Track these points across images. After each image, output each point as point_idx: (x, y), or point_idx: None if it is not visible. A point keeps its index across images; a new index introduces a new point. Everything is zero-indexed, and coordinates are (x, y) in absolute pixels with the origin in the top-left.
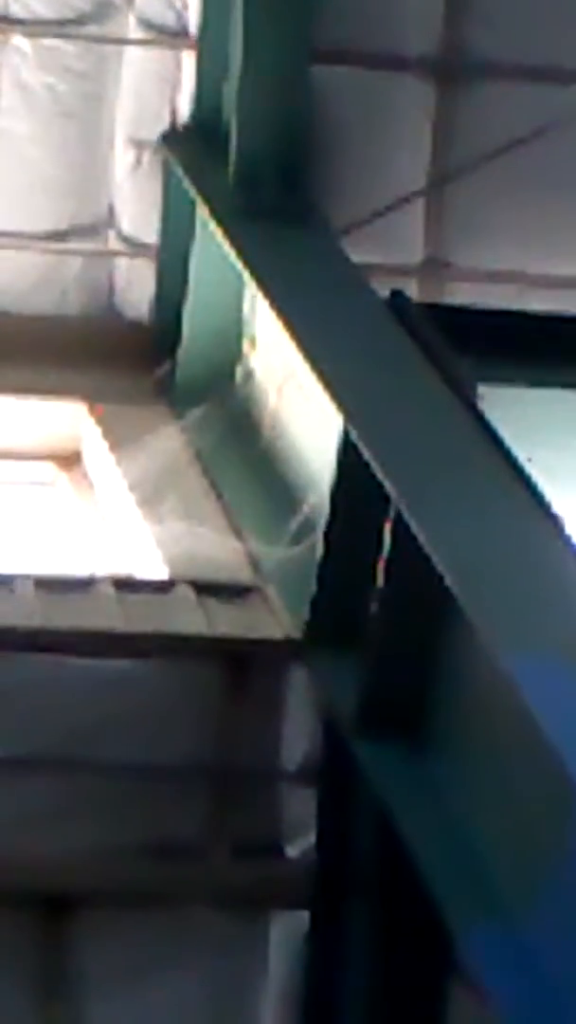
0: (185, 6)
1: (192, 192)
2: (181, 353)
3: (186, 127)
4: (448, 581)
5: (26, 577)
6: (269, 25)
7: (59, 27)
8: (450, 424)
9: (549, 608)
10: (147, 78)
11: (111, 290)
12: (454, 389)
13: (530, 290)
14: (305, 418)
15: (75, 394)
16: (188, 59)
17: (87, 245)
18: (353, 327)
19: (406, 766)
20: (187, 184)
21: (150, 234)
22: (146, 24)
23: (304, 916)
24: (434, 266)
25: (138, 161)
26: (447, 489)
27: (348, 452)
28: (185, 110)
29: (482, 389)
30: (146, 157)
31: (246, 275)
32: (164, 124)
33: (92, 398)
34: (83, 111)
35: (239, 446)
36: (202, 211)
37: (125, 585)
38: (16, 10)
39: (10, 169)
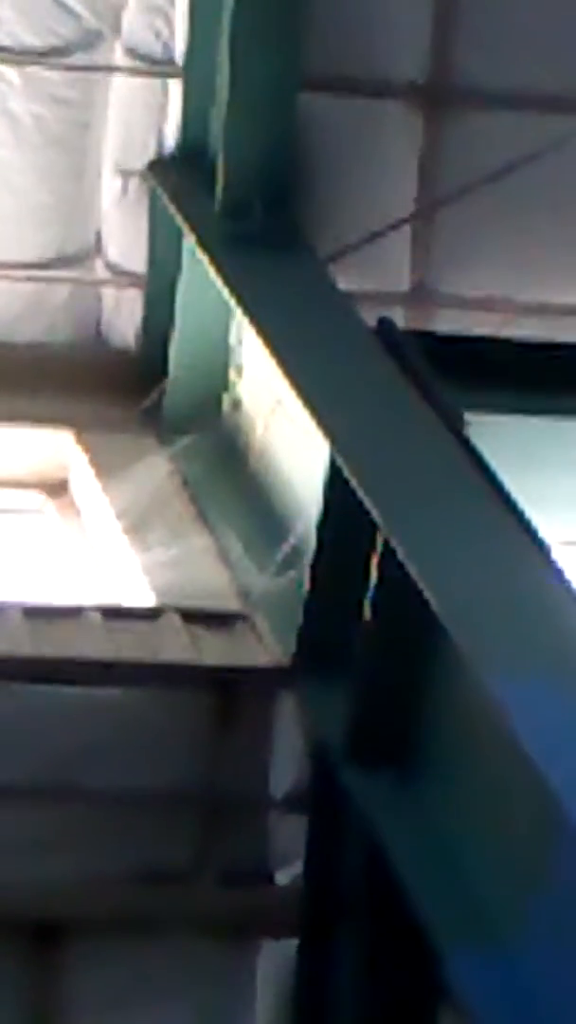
0: (172, 34)
1: (179, 220)
2: (168, 382)
3: (173, 155)
4: (436, 608)
5: (14, 605)
6: (256, 53)
7: (46, 56)
8: (437, 452)
9: (537, 635)
10: (134, 107)
11: (98, 319)
12: (441, 417)
13: (518, 318)
14: (292, 446)
15: (62, 422)
16: (175, 87)
17: (74, 274)
18: (340, 355)
19: (394, 793)
20: (174, 212)
21: (137, 262)
22: (133, 53)
23: (292, 944)
24: (421, 293)
25: (125, 190)
26: (434, 517)
27: (335, 480)
28: (172, 138)
29: (469, 417)
30: (133, 186)
31: (233, 303)
32: (151, 153)
33: (80, 427)
34: (70, 140)
35: (226, 474)
36: (189, 239)
37: (113, 613)
38: (2, 38)
39: None
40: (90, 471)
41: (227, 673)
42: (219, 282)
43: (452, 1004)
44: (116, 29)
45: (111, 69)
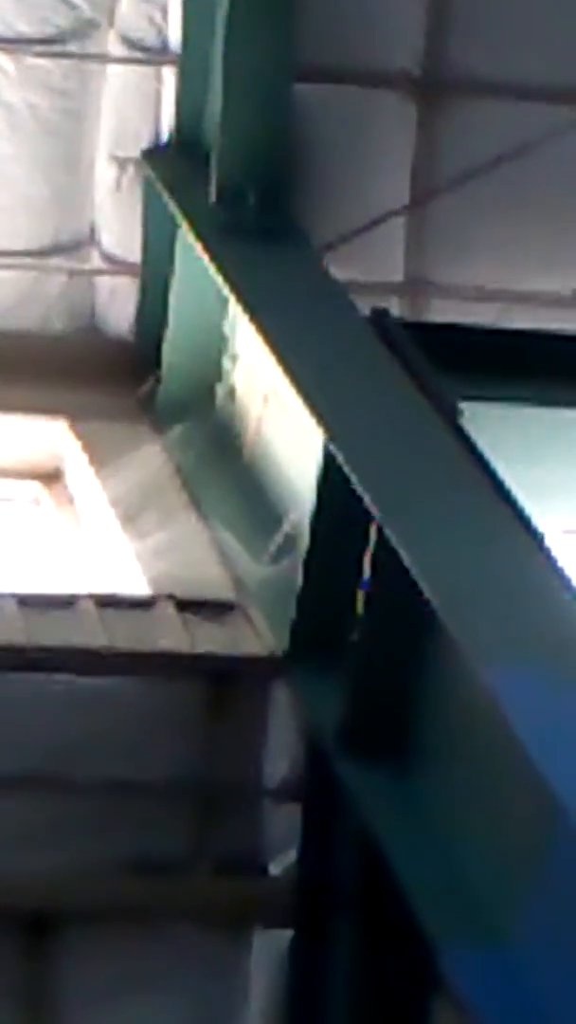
0: (167, 24)
1: (174, 210)
2: (163, 370)
3: (168, 145)
4: (430, 598)
5: (8, 595)
6: (251, 43)
7: (40, 45)
8: (432, 441)
9: (531, 624)
10: (129, 96)
11: (93, 308)
12: (436, 407)
13: (512, 308)
14: (287, 435)
15: (57, 411)
16: (170, 77)
17: (69, 263)
18: (335, 345)
19: (388, 783)
20: (169, 202)
21: (132, 252)
22: (128, 42)
23: (286, 934)
24: (416, 284)
25: (120, 179)
26: (428, 506)
27: (330, 469)
28: (167, 128)
29: (464, 406)
30: (128, 175)
31: (228, 292)
32: (146, 142)
33: (74, 416)
34: (65, 129)
35: (221, 463)
36: (184, 228)
37: (107, 602)
38: None
39: None
40: (84, 460)
41: (221, 662)
42: (214, 271)
43: (446, 994)
44: (111, 18)
45: (106, 59)
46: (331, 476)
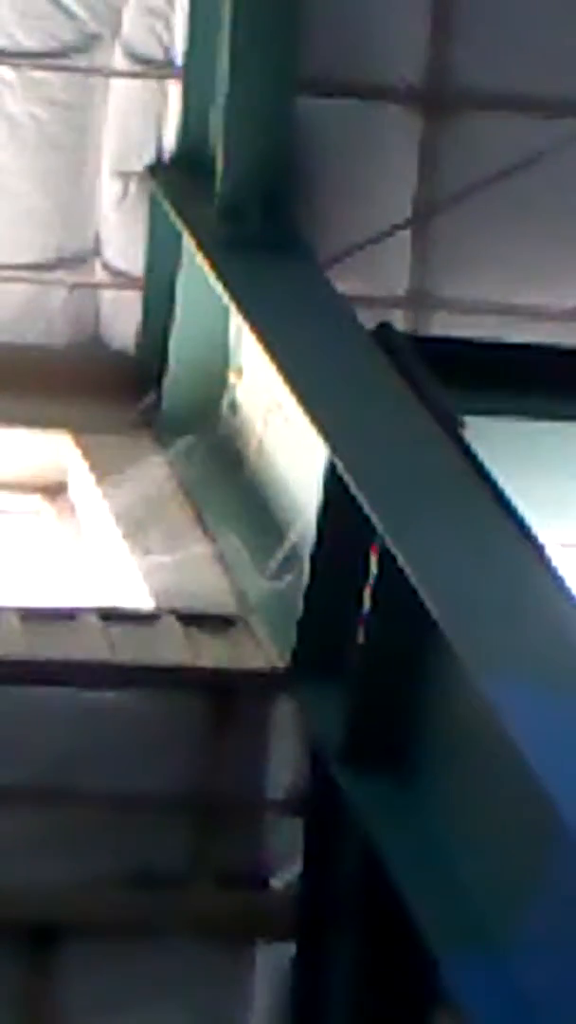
0: (171, 37)
1: (178, 223)
2: (166, 384)
3: (172, 158)
4: (433, 612)
5: (11, 608)
6: (255, 56)
7: (45, 58)
8: (435, 455)
9: (534, 637)
10: (133, 109)
11: (97, 321)
12: (439, 420)
13: (516, 322)
14: (290, 449)
15: (60, 425)
16: (174, 90)
17: (73, 276)
18: (339, 358)
19: (391, 796)
20: (173, 215)
21: (136, 265)
22: (132, 55)
23: (289, 947)
24: (420, 297)
25: (124, 192)
26: (432, 520)
27: (333, 483)
28: (171, 141)
29: (467, 420)
30: (132, 188)
31: (231, 306)
32: (150, 155)
33: (77, 429)
34: (69, 142)
35: (224, 477)
36: (188, 242)
37: (110, 616)
38: (1, 41)
39: None
40: (88, 473)
41: (224, 676)
42: (217, 285)
43: (448, 1007)
44: (115, 31)
45: (110, 73)
46: (334, 489)
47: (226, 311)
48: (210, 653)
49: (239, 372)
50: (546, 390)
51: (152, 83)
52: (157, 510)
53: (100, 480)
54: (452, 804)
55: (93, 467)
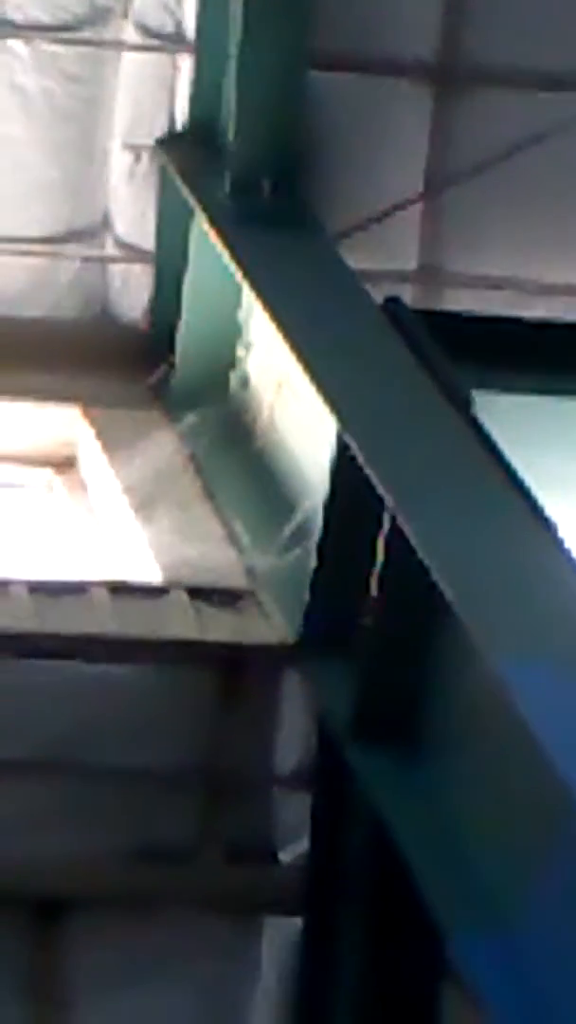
0: (182, 11)
1: (188, 197)
2: (176, 358)
3: (183, 132)
4: (442, 587)
5: (20, 581)
6: (267, 30)
7: (56, 31)
8: (445, 431)
9: (545, 615)
10: (144, 83)
11: (107, 295)
12: (449, 396)
13: (526, 297)
14: (300, 424)
15: (70, 398)
16: (185, 64)
17: (82, 250)
18: (349, 333)
19: (400, 771)
20: (183, 189)
21: (146, 239)
22: (143, 29)
23: (297, 922)
24: (430, 272)
25: (134, 166)
26: (442, 495)
27: (343, 458)
28: (182, 115)
29: (477, 395)
30: (142, 162)
31: (242, 280)
32: (161, 129)
33: (87, 403)
34: (79, 115)
35: (234, 451)
36: (198, 216)
37: (119, 590)
38: (12, 13)
39: (6, 173)
40: (97, 447)
41: (233, 650)
42: (228, 259)
43: (456, 982)
44: (127, 4)
45: (121, 46)
46: (344, 465)
47: (237, 285)
48: (218, 627)
49: (249, 346)
50: (557, 366)
51: (163, 56)
52: (166, 484)
53: (109, 454)
54: (461, 780)
55: (103, 441)
